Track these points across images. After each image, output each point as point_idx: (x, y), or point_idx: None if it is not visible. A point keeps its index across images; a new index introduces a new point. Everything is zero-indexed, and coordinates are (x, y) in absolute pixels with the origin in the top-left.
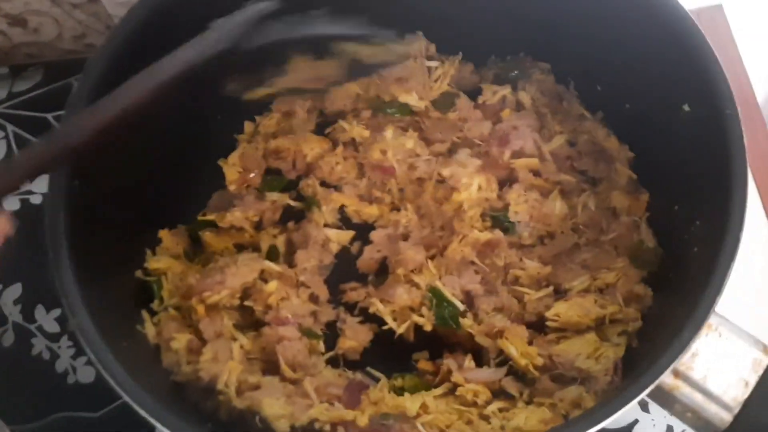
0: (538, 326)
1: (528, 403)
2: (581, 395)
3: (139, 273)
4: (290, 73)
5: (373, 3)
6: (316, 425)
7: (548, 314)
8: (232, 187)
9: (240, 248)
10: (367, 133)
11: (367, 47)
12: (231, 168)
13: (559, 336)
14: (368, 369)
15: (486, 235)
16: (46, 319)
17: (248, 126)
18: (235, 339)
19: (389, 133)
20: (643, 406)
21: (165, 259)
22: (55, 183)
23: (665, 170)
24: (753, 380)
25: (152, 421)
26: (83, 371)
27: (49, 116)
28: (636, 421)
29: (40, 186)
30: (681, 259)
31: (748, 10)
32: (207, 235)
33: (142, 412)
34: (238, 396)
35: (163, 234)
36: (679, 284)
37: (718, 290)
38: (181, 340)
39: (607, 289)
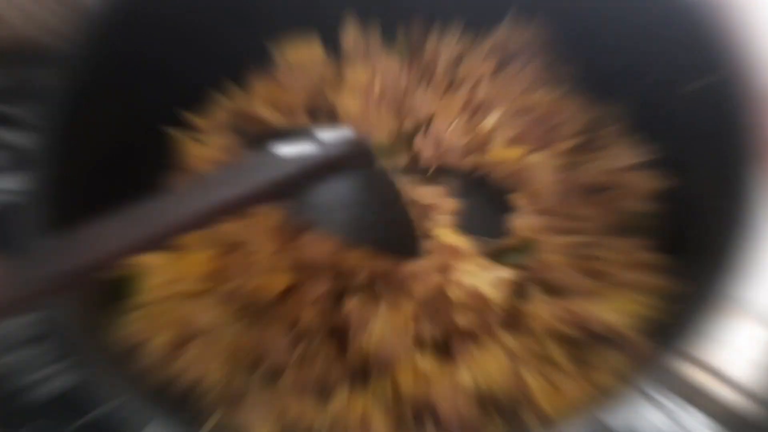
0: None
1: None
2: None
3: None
4: None
5: None
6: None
7: None
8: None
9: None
10: None
11: None
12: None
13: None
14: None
15: None
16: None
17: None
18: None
19: None
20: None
21: None
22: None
23: (679, 153)
24: None
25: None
26: (54, 382)
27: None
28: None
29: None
30: (699, 243)
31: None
32: None
33: (129, 414)
34: (225, 404)
35: None
36: (700, 272)
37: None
38: (163, 336)
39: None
